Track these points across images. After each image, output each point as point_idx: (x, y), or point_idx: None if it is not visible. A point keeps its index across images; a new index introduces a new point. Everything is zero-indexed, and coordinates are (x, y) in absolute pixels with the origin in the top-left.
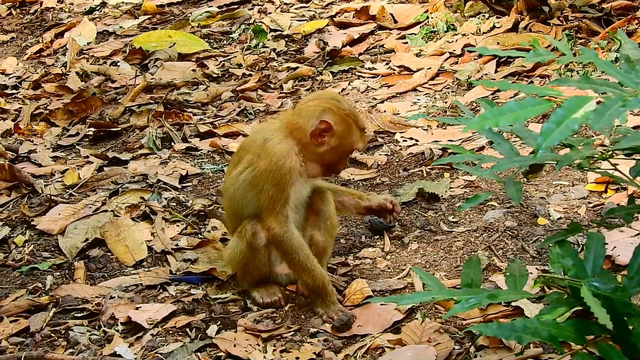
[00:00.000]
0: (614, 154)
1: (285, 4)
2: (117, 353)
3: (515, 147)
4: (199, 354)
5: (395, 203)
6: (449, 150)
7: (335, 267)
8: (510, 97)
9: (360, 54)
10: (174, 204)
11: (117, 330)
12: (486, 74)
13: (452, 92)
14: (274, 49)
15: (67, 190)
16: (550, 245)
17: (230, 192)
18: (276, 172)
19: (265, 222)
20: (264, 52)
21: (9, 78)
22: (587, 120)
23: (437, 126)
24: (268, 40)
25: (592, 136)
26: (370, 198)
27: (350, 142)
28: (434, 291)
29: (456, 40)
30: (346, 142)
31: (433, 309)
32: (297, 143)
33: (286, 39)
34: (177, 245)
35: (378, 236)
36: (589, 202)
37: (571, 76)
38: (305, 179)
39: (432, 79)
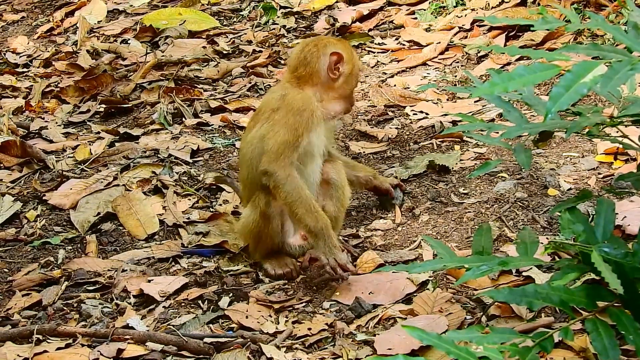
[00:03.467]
0: (623, 121)
1: None
2: (130, 325)
3: (525, 116)
4: (211, 325)
5: (401, 185)
6: (459, 123)
7: (346, 238)
8: None
9: (369, 30)
10: (186, 178)
11: (130, 303)
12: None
13: (462, 66)
14: (284, 26)
15: (79, 166)
16: (561, 212)
17: (247, 157)
18: (297, 115)
19: (268, 166)
20: (274, 28)
21: (20, 57)
22: (595, 84)
23: (447, 99)
24: (278, 17)
25: (602, 106)
26: (381, 179)
27: (358, 64)
28: (446, 259)
29: (465, 15)
30: (355, 65)
31: (444, 279)
32: (314, 91)
33: (296, 16)
34: (188, 218)
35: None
36: (599, 173)
37: None
38: (322, 128)
39: (442, 53)
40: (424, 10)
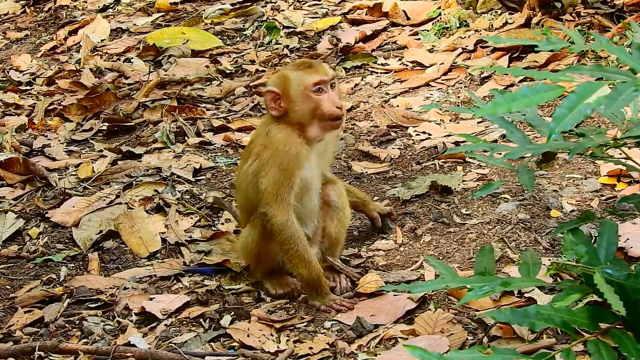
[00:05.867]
0: (626, 143)
1: (299, 1)
2: (131, 343)
3: (528, 137)
4: (212, 344)
5: (392, 214)
6: (462, 144)
7: (348, 258)
8: None
9: (373, 50)
10: (188, 197)
11: (131, 321)
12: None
13: (465, 87)
14: (287, 46)
15: (81, 184)
16: (564, 233)
17: (243, 188)
18: (283, 155)
19: (268, 209)
20: (276, 48)
21: (23, 74)
22: (599, 105)
23: (450, 120)
24: (281, 37)
25: (605, 128)
26: (370, 207)
27: (300, 84)
28: (447, 279)
29: (469, 36)
30: (292, 88)
31: (446, 300)
32: (289, 125)
33: (299, 36)
34: (190, 237)
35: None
36: (602, 195)
37: None
38: (313, 158)
39: (445, 74)
40: (428, 31)
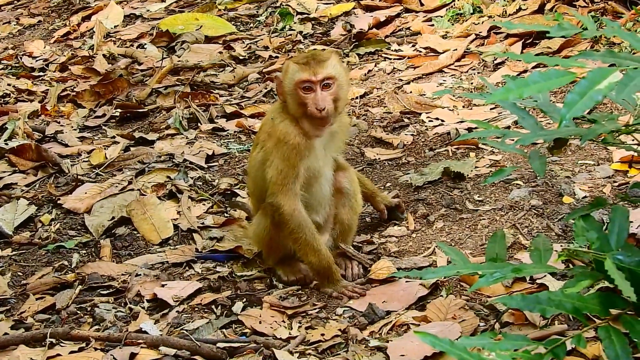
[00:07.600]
0: (638, 129)
1: None
2: (143, 329)
3: (540, 123)
4: (224, 330)
5: (400, 206)
6: (475, 130)
7: (360, 245)
8: None
9: (386, 37)
10: (200, 183)
11: (143, 307)
12: None
13: (478, 73)
14: (301, 32)
15: (94, 170)
16: (575, 219)
17: (253, 175)
18: (284, 146)
19: (274, 199)
20: (290, 34)
21: (36, 60)
22: (610, 91)
23: (463, 106)
24: (294, 23)
25: (617, 114)
26: (378, 199)
27: (291, 78)
28: (459, 265)
29: (482, 22)
30: (288, 81)
31: (458, 286)
32: (289, 115)
33: (312, 22)
34: (203, 223)
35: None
36: (614, 181)
37: None
38: (319, 148)
39: (458, 60)
40: (441, 17)
